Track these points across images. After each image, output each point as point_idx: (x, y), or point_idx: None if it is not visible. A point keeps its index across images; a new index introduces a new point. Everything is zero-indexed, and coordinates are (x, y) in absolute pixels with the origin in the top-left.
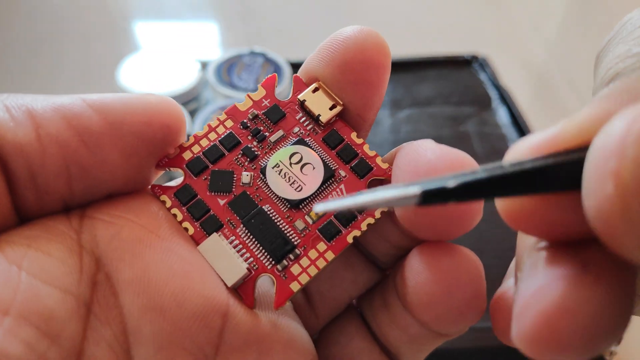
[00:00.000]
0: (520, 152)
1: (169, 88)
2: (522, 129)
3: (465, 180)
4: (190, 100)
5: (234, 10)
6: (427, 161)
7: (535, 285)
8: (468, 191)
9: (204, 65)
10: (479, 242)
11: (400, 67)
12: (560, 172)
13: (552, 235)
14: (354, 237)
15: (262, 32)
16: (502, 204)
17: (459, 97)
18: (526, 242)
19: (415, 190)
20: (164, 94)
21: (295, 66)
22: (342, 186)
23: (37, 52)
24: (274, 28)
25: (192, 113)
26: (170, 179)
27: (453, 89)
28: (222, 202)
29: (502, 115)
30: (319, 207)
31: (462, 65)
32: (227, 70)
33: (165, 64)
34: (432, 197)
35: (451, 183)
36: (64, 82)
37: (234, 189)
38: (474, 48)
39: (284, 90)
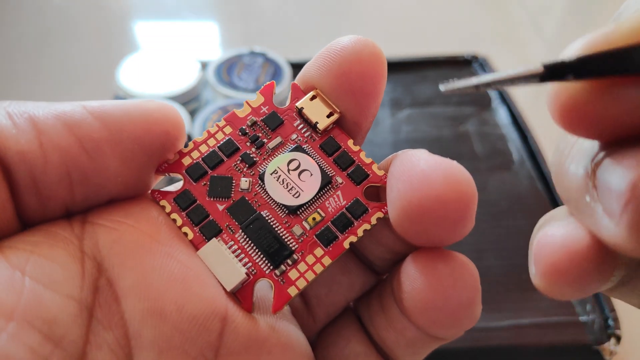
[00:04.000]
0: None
1: (169, 88)
2: (522, 129)
3: (584, 55)
4: (190, 100)
5: (234, 10)
6: (420, 171)
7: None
8: (586, 66)
9: (204, 65)
10: (479, 243)
11: (400, 67)
12: None
13: (610, 129)
14: (351, 243)
15: (262, 32)
16: (558, 100)
17: (459, 97)
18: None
19: (537, 66)
20: (164, 94)
21: (295, 66)
22: (339, 192)
23: (36, 52)
24: (274, 28)
25: (192, 113)
26: (174, 182)
27: None
28: (221, 207)
29: (502, 115)
30: (446, 86)
31: (462, 65)
32: (227, 70)
33: (165, 64)
34: (553, 72)
35: (570, 57)
36: (64, 82)
37: (232, 195)
38: (474, 48)
39: (284, 90)
